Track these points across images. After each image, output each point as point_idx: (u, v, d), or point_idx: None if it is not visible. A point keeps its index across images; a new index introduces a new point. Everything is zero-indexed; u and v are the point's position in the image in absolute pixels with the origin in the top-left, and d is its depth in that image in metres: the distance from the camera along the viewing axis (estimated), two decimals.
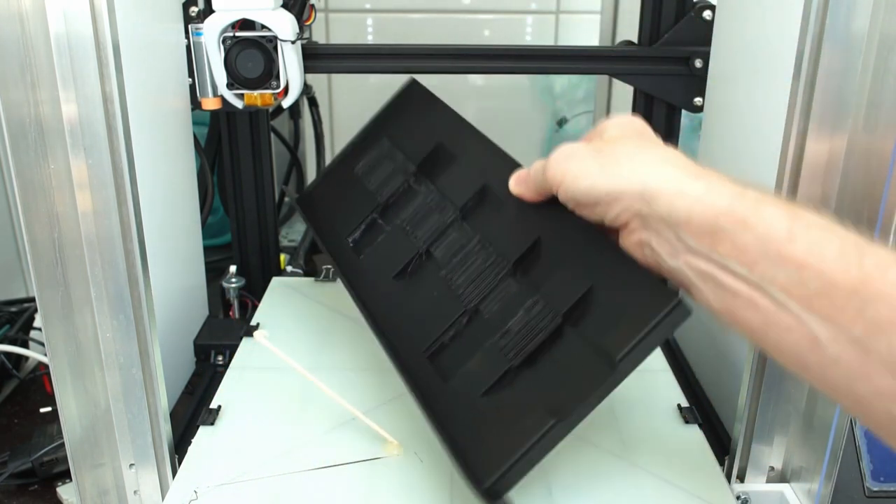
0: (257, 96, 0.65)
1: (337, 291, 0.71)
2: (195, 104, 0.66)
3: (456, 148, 0.53)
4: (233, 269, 0.74)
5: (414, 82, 0.60)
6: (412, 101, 0.59)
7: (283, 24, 0.62)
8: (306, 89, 0.91)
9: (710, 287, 0.36)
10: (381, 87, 1.11)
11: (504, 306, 0.44)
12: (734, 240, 0.34)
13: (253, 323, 0.64)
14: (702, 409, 0.58)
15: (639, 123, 0.42)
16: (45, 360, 0.53)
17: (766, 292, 0.33)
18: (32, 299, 0.80)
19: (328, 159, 1.03)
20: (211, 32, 0.62)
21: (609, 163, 0.39)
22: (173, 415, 0.53)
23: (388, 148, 0.58)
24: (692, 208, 0.35)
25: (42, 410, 0.69)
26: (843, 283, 0.32)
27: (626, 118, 0.43)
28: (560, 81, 1.08)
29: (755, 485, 0.51)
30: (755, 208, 0.34)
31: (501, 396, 0.41)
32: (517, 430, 0.39)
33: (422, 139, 0.55)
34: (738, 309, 0.35)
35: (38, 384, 0.74)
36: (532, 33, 1.12)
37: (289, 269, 0.81)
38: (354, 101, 1.14)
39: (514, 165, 0.48)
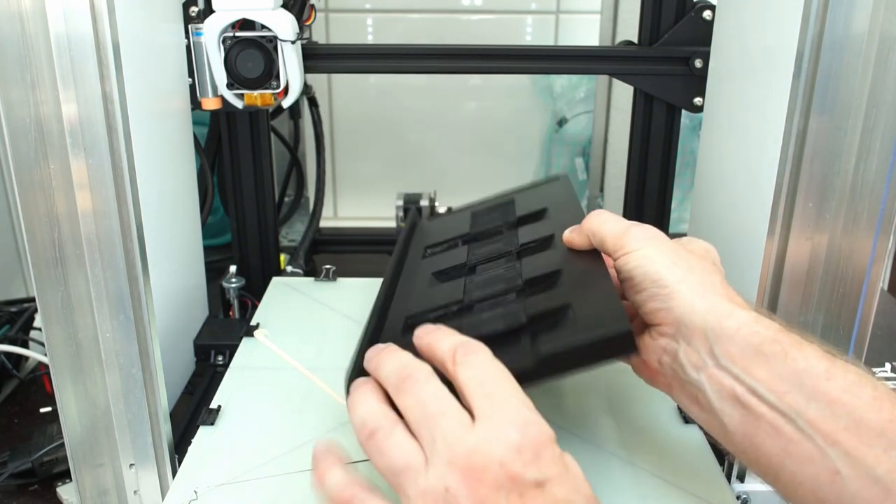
0: (257, 96, 0.65)
1: (337, 291, 0.71)
2: (195, 104, 0.66)
3: (554, 211, 0.57)
4: (233, 269, 0.74)
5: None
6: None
7: (283, 24, 0.62)
8: (306, 89, 0.91)
9: (732, 407, 0.36)
10: (382, 87, 1.13)
11: (492, 306, 0.46)
12: (773, 367, 0.35)
13: (253, 323, 0.64)
14: None
15: (715, 254, 0.44)
16: (45, 360, 0.53)
17: (792, 421, 0.34)
18: (32, 299, 0.80)
19: (328, 159, 1.03)
20: (211, 32, 0.62)
21: (683, 264, 0.40)
22: (173, 415, 0.53)
23: (507, 204, 0.63)
24: (740, 330, 0.37)
25: (42, 410, 0.69)
26: (873, 422, 0.33)
27: (708, 245, 0.44)
28: (560, 81, 1.08)
29: (755, 485, 0.51)
30: (798, 344, 0.36)
31: None
32: None
33: (535, 203, 0.60)
34: (758, 434, 0.35)
35: (38, 384, 0.74)
36: (532, 33, 1.12)
37: (289, 269, 0.81)
38: (354, 101, 1.14)
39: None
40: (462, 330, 0.41)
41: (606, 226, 0.44)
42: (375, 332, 0.48)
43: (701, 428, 0.48)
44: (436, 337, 0.38)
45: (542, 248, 0.52)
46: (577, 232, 0.47)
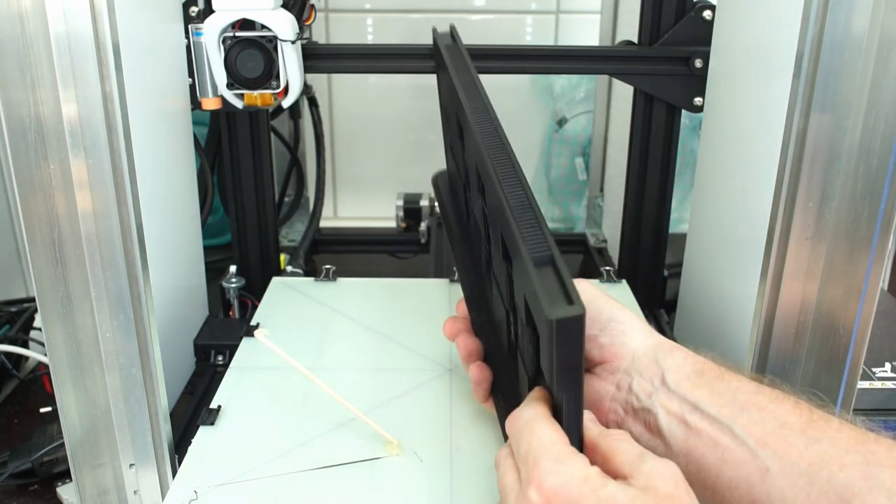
0: (257, 96, 0.65)
1: (337, 291, 0.71)
2: (195, 104, 0.66)
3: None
4: (233, 269, 0.74)
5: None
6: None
7: (283, 24, 0.62)
8: (306, 89, 0.91)
9: (678, 427, 0.41)
10: (381, 87, 1.13)
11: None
12: (712, 386, 0.41)
13: (253, 323, 0.64)
14: None
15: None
16: (45, 360, 0.53)
17: (729, 430, 0.39)
18: (32, 299, 0.80)
19: (328, 159, 1.03)
20: (211, 32, 0.62)
21: (626, 310, 0.46)
22: (173, 415, 0.53)
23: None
24: (685, 359, 0.43)
25: (42, 410, 0.69)
26: (795, 424, 0.38)
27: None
28: (560, 81, 1.08)
29: None
30: (731, 369, 0.42)
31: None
32: None
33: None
34: (698, 448, 0.40)
35: (38, 384, 0.74)
36: (532, 33, 1.11)
37: (289, 269, 0.81)
38: (354, 101, 1.14)
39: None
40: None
41: None
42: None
43: None
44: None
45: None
46: None
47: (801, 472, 0.36)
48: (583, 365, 0.36)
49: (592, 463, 0.36)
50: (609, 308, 0.45)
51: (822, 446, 0.36)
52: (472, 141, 0.47)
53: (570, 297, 0.34)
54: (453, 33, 0.57)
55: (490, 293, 0.51)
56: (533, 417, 0.37)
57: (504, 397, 0.48)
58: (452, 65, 0.52)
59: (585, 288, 0.45)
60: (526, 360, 0.42)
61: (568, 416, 0.37)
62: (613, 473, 0.36)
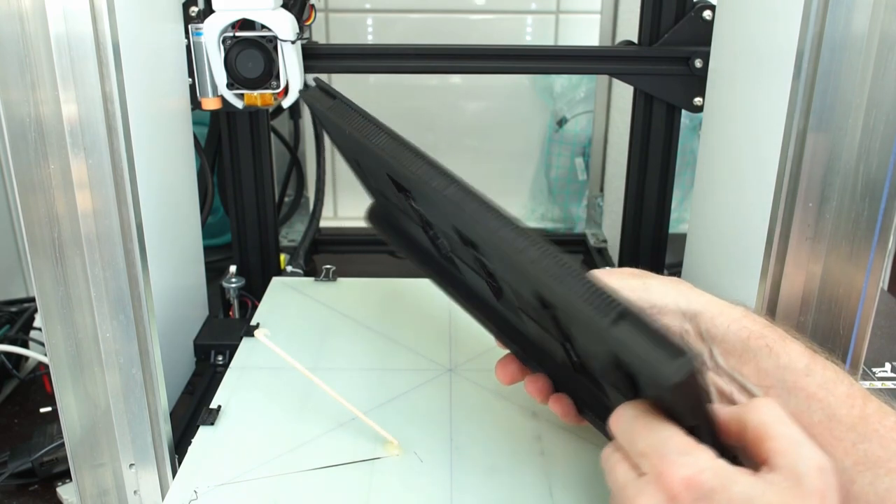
0: (257, 96, 0.65)
1: (337, 291, 0.71)
2: (195, 104, 0.66)
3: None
4: (233, 269, 0.74)
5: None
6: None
7: (283, 24, 0.62)
8: (306, 89, 0.90)
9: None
10: (381, 87, 1.13)
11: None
12: (758, 363, 0.37)
13: (253, 323, 0.64)
14: None
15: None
16: (45, 360, 0.53)
17: None
18: (32, 299, 0.80)
19: (328, 159, 1.03)
20: (211, 32, 0.62)
21: (653, 283, 0.41)
22: (173, 415, 0.53)
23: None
24: (729, 327, 0.38)
25: (42, 410, 0.69)
26: (845, 418, 0.35)
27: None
28: (560, 81, 1.08)
29: None
30: (782, 339, 0.38)
31: None
32: None
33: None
34: None
35: (38, 384, 0.74)
36: (532, 33, 1.11)
37: (289, 269, 0.81)
38: (354, 101, 1.13)
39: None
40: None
41: None
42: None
43: None
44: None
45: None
46: None
47: (844, 470, 0.34)
48: (706, 398, 0.34)
49: (731, 433, 0.35)
50: (643, 298, 0.40)
51: (870, 446, 0.34)
52: (448, 206, 0.42)
53: (671, 348, 0.31)
54: (325, 89, 0.50)
55: (515, 318, 0.47)
56: (640, 412, 0.36)
57: (595, 412, 0.45)
58: (357, 130, 0.47)
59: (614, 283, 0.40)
60: (619, 387, 0.39)
61: (701, 437, 0.35)
62: (756, 455, 0.34)
